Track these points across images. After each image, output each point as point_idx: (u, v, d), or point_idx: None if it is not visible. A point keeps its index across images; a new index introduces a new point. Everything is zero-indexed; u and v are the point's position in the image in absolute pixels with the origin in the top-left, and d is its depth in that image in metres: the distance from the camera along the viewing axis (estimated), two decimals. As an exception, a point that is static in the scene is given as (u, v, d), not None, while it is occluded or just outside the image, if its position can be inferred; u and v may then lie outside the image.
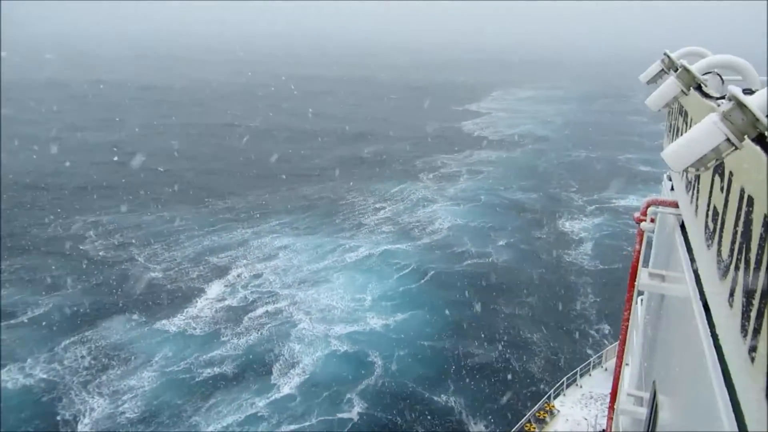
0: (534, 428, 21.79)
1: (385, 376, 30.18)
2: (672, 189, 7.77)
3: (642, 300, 10.26)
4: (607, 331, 34.66)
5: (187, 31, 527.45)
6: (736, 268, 3.18)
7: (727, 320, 3.23)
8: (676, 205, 6.86)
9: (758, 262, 2.72)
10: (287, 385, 29.15)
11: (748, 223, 3.03)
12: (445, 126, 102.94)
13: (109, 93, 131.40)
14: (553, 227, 52.74)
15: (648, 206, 7.58)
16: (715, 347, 3.28)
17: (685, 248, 5.34)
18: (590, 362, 25.39)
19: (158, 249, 45.45)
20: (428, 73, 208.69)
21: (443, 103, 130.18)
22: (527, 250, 46.99)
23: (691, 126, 6.39)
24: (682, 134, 4.30)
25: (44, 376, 29.48)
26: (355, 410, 27.57)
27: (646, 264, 8.01)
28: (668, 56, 8.34)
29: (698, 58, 8.14)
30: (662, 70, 8.70)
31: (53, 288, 38.53)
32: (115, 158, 73.40)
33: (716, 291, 3.61)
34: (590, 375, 24.83)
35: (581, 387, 24.16)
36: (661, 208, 7.37)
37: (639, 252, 7.75)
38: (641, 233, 7.73)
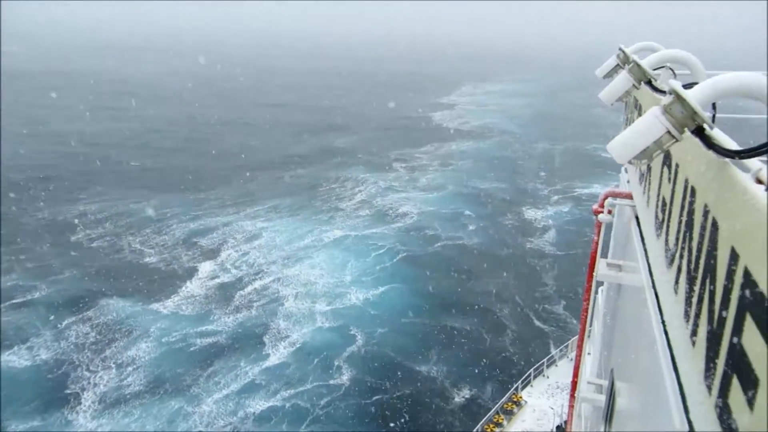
0: (502, 419, 22.44)
1: (368, 345, 32.66)
2: (628, 181, 7.93)
3: (602, 290, 10.44)
4: (566, 309, 37.71)
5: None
6: (681, 256, 3.28)
7: (673, 307, 3.34)
8: (631, 197, 6.91)
9: (699, 250, 2.82)
10: (280, 354, 31.38)
11: (691, 212, 3.14)
12: (416, 116, 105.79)
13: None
14: (519, 215, 56.04)
15: (605, 198, 7.55)
16: (665, 333, 3.40)
17: (639, 238, 5.44)
18: (556, 353, 26.26)
19: (149, 233, 47.18)
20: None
21: (421, 97, 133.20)
22: (495, 235, 50.12)
23: None
24: None
25: (47, 354, 30.82)
26: (344, 377, 29.94)
27: (604, 255, 8.09)
28: (623, 51, 8.47)
29: (651, 53, 8.23)
30: (618, 65, 8.79)
31: (48, 273, 39.55)
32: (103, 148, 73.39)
33: (664, 279, 3.74)
34: (556, 365, 25.62)
35: (548, 377, 24.95)
36: (618, 200, 7.38)
37: (597, 243, 7.86)
38: (599, 225, 7.79)
